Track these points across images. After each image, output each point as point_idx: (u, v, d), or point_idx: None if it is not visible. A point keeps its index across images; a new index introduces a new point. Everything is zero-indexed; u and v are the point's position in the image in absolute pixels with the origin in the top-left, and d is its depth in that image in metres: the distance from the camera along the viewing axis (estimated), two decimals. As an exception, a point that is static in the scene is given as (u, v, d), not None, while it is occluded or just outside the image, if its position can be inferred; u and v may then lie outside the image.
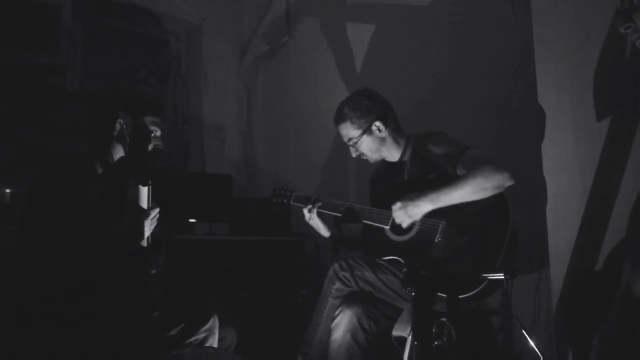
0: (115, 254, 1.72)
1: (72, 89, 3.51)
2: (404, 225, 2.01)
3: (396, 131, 2.22)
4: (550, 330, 2.06)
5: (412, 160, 2.16)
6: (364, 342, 1.95)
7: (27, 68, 3.33)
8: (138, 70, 3.98)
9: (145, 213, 1.74)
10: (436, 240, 1.96)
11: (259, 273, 3.11)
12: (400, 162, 2.22)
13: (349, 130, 2.19)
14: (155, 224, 1.80)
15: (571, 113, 1.95)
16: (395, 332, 1.86)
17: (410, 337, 1.59)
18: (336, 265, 2.08)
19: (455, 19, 2.75)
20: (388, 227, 2.11)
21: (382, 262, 2.08)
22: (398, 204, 2.00)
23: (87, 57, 3.68)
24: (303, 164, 3.64)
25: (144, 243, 1.78)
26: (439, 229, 1.99)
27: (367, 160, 2.25)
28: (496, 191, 1.88)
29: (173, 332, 1.77)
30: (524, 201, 2.02)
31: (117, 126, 1.84)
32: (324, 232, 2.31)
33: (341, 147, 3.17)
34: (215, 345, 1.83)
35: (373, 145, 2.19)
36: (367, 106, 2.17)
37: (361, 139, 2.18)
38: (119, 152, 1.87)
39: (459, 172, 1.97)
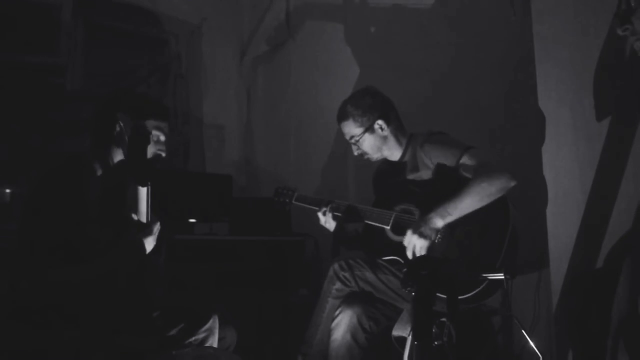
0: (119, 271, 1.73)
1: (72, 88, 3.50)
2: (424, 251, 1.94)
3: (398, 130, 2.22)
4: (550, 330, 2.06)
5: (413, 160, 2.16)
6: (364, 342, 1.95)
7: (26, 68, 3.32)
8: (138, 70, 3.97)
9: (148, 230, 1.76)
10: (436, 241, 1.95)
11: (259, 273, 3.11)
12: (401, 161, 2.22)
13: (352, 128, 2.19)
14: (156, 240, 1.82)
15: (571, 113, 1.95)
16: (395, 332, 1.85)
17: (410, 337, 1.59)
18: (336, 265, 2.08)
19: (455, 19, 2.75)
20: (389, 227, 2.11)
21: (382, 262, 2.08)
22: (409, 232, 1.94)
23: (87, 57, 3.68)
24: (303, 164, 3.64)
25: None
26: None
27: (368, 160, 2.25)
28: (501, 194, 1.89)
29: (173, 332, 1.77)
30: (524, 201, 2.02)
31: (117, 128, 1.84)
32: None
33: (341, 147, 3.19)
34: (215, 345, 1.82)
35: (375, 143, 2.19)
36: (370, 104, 2.18)
37: (363, 137, 2.18)
38: (119, 154, 1.87)
39: (460, 173, 1.97)
